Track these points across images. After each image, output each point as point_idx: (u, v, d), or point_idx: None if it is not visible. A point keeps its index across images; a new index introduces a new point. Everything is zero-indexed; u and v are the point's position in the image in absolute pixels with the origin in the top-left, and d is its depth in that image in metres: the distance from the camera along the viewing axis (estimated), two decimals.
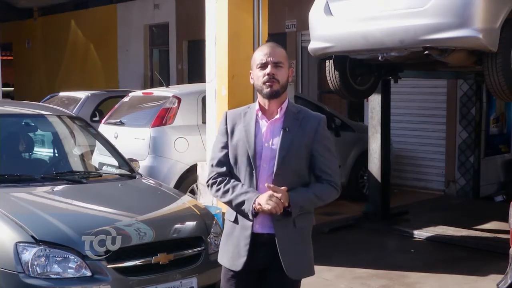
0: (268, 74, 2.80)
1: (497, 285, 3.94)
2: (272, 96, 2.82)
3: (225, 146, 2.91)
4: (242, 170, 2.85)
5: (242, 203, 2.79)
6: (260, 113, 2.88)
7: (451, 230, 6.96)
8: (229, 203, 2.87)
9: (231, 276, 2.91)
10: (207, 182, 2.95)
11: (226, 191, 2.84)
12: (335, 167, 2.92)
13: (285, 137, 2.82)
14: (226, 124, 2.92)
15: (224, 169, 2.89)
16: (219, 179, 2.88)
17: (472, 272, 5.60)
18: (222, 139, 2.93)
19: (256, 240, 2.83)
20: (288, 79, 2.87)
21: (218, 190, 2.87)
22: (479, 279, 5.45)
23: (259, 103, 2.89)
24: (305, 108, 2.98)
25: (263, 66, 2.82)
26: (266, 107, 2.87)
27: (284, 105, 2.87)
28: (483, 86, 8.57)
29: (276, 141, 2.82)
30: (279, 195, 2.71)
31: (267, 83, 2.80)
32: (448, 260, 6.07)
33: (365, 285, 5.35)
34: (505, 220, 4.17)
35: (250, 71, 2.92)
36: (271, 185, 2.72)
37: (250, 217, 2.78)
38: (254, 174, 2.81)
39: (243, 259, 2.84)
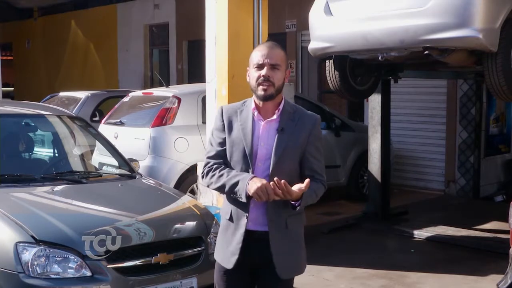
0: (263, 76, 2.79)
1: (497, 285, 3.94)
2: (265, 99, 2.83)
3: (223, 142, 2.90)
4: (237, 168, 2.85)
5: (237, 183, 2.77)
6: (256, 113, 2.88)
7: (451, 230, 6.95)
8: (222, 187, 2.83)
9: (224, 272, 2.93)
10: (202, 172, 2.94)
11: (221, 175, 2.83)
12: (323, 167, 2.94)
13: (280, 138, 2.82)
14: (223, 120, 2.92)
15: (221, 161, 2.90)
16: (215, 166, 2.88)
17: (472, 272, 5.60)
18: (219, 134, 2.92)
19: (249, 238, 2.84)
20: (285, 81, 2.87)
21: (213, 175, 2.86)
22: (479, 279, 5.45)
23: (254, 101, 2.89)
24: (301, 108, 2.97)
25: (260, 67, 2.81)
26: (261, 106, 2.88)
27: (281, 106, 2.87)
28: (483, 86, 8.57)
29: (272, 142, 2.83)
30: (279, 191, 2.67)
31: (261, 86, 2.80)
32: (448, 260, 6.06)
33: (365, 285, 5.35)
34: (505, 220, 4.17)
35: (247, 68, 2.91)
36: (278, 179, 2.67)
37: (244, 199, 2.74)
38: (250, 172, 2.82)
39: (235, 257, 2.86)
